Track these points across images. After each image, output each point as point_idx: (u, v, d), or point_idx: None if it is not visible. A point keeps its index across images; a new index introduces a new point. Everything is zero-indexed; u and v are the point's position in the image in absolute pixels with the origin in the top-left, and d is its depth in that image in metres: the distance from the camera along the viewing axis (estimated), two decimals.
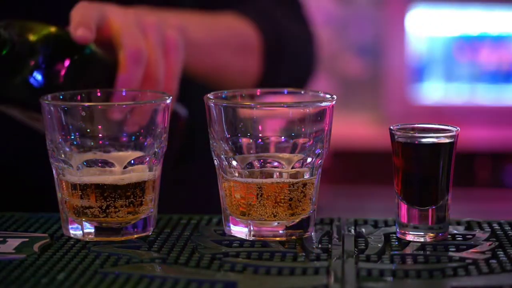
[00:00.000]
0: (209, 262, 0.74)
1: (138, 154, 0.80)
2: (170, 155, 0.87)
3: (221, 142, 0.79)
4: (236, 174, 0.79)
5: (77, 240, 0.80)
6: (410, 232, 0.80)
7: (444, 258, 0.75)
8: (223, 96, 0.83)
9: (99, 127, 0.79)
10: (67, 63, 0.87)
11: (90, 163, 0.80)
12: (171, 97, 0.82)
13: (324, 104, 0.79)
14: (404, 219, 0.80)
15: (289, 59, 1.22)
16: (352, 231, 0.83)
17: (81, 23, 0.88)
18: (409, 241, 0.79)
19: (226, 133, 0.79)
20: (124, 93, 0.87)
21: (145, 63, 0.91)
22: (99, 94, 0.85)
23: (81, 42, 0.88)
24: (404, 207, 0.80)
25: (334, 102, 0.80)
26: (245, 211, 0.80)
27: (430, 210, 0.79)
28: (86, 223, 0.80)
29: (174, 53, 0.95)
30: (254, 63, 1.19)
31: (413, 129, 0.80)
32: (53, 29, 0.89)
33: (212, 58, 1.13)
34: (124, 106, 0.80)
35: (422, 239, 0.79)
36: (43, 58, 0.86)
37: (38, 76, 0.85)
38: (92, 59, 0.91)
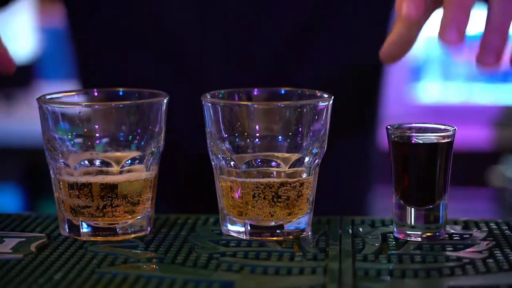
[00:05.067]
0: (206, 262, 0.74)
1: (135, 153, 0.80)
2: None
3: (218, 141, 0.79)
4: (233, 174, 0.79)
5: (74, 240, 0.80)
6: (407, 232, 0.80)
7: (441, 257, 0.75)
8: (220, 95, 0.83)
9: (96, 126, 0.79)
10: None
11: (87, 163, 0.80)
12: (168, 97, 0.82)
13: (321, 103, 0.79)
14: (401, 218, 0.80)
15: None
16: (350, 230, 0.82)
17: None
18: (406, 241, 0.79)
19: (223, 133, 0.79)
20: (121, 93, 0.87)
21: None
22: (96, 93, 0.85)
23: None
24: (401, 207, 0.80)
25: (331, 102, 0.80)
26: (242, 211, 0.80)
27: (427, 209, 0.79)
28: (83, 223, 0.80)
29: None
30: None
31: (410, 128, 0.80)
32: None
33: None
34: (122, 106, 0.80)
35: (419, 239, 0.79)
36: None
37: None
38: None
